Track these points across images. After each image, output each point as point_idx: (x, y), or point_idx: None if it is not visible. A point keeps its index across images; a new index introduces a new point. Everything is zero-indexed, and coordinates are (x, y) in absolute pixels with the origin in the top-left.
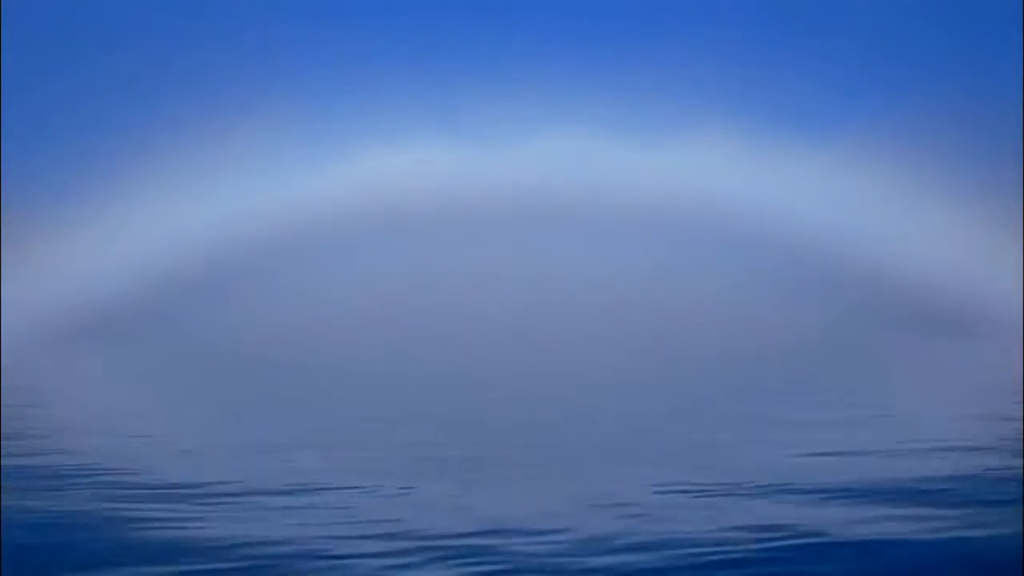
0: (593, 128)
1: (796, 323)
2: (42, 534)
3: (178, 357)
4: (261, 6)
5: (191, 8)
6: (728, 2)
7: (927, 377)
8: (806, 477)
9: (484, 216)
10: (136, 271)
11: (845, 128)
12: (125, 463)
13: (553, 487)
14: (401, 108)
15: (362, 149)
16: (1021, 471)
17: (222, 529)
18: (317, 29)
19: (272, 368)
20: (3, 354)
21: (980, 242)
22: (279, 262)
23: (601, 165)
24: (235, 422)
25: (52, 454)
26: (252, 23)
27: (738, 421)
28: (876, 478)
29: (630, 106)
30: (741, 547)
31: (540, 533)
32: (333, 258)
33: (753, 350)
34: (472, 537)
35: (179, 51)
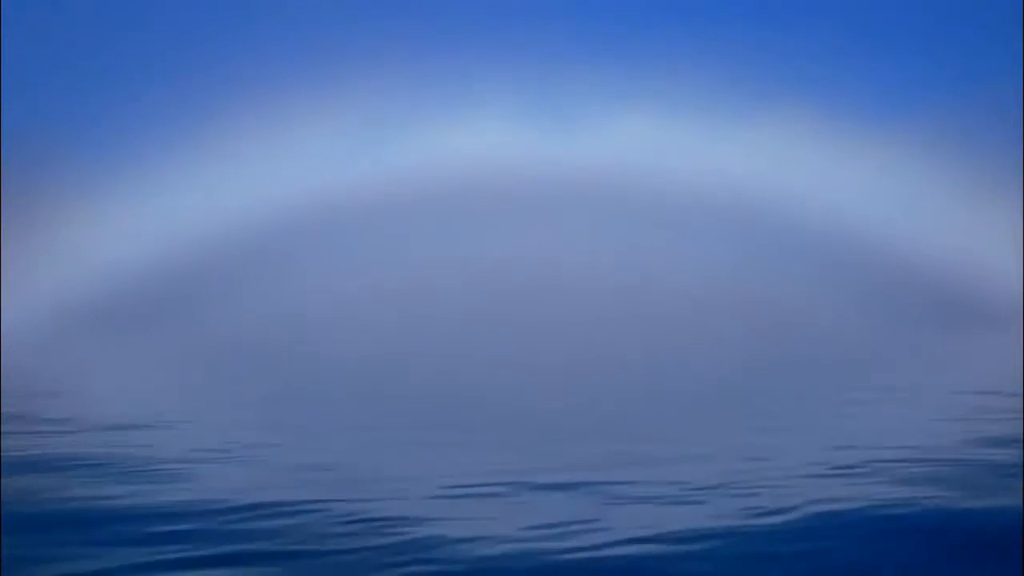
0: (661, 114)
1: (805, 311)
2: (45, 528)
3: (194, 347)
4: None
5: None
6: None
7: (932, 364)
8: (813, 463)
9: (547, 202)
10: (156, 258)
11: (852, 123)
12: (134, 457)
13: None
14: (463, 92)
15: (425, 132)
16: (1022, 460)
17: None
18: (380, 7)
19: (308, 359)
20: (4, 343)
21: (983, 233)
22: (331, 246)
23: (666, 152)
24: (255, 418)
25: (57, 447)
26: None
27: (751, 409)
28: (881, 464)
29: (695, 93)
30: (749, 524)
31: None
32: (375, 245)
33: (765, 336)
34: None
35: (199, 33)
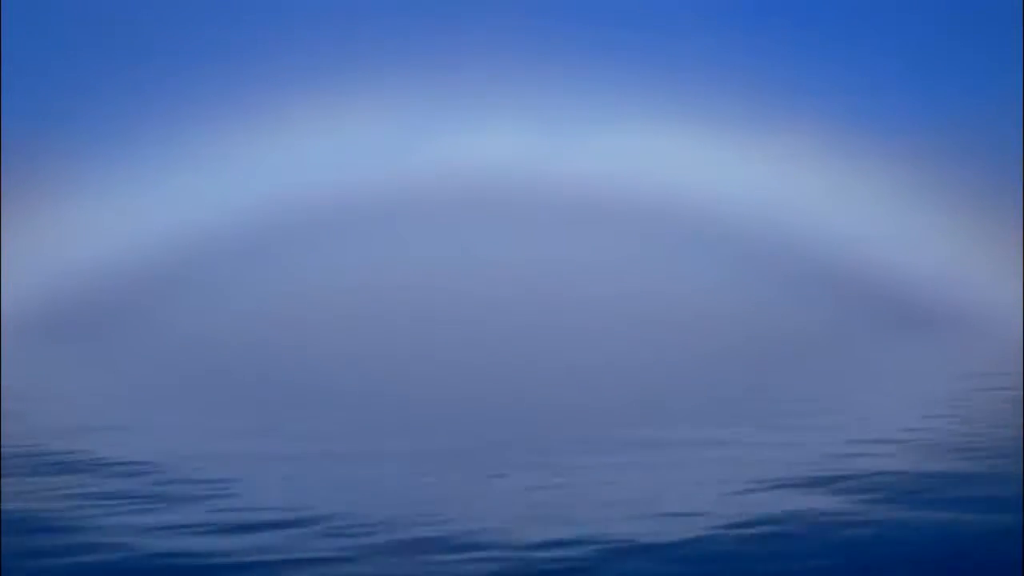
0: (663, 128)
1: (797, 320)
2: (37, 530)
3: (188, 348)
4: None
5: None
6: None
7: (924, 373)
8: (799, 471)
9: (537, 206)
10: (151, 257)
11: (845, 128)
12: (118, 461)
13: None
14: (462, 98)
15: (429, 139)
16: (1022, 465)
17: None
18: (387, 15)
19: (304, 359)
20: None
21: (981, 241)
22: (328, 248)
23: (665, 164)
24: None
25: (42, 454)
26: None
27: (733, 415)
28: (870, 472)
29: (698, 110)
30: (728, 537)
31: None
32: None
33: (755, 345)
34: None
35: (200, 34)
